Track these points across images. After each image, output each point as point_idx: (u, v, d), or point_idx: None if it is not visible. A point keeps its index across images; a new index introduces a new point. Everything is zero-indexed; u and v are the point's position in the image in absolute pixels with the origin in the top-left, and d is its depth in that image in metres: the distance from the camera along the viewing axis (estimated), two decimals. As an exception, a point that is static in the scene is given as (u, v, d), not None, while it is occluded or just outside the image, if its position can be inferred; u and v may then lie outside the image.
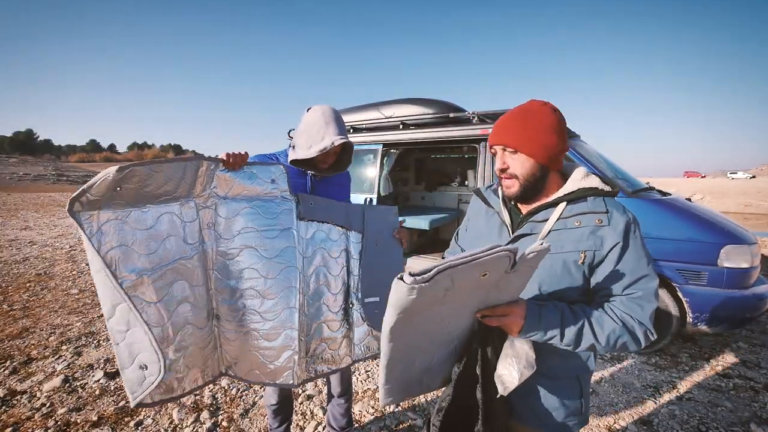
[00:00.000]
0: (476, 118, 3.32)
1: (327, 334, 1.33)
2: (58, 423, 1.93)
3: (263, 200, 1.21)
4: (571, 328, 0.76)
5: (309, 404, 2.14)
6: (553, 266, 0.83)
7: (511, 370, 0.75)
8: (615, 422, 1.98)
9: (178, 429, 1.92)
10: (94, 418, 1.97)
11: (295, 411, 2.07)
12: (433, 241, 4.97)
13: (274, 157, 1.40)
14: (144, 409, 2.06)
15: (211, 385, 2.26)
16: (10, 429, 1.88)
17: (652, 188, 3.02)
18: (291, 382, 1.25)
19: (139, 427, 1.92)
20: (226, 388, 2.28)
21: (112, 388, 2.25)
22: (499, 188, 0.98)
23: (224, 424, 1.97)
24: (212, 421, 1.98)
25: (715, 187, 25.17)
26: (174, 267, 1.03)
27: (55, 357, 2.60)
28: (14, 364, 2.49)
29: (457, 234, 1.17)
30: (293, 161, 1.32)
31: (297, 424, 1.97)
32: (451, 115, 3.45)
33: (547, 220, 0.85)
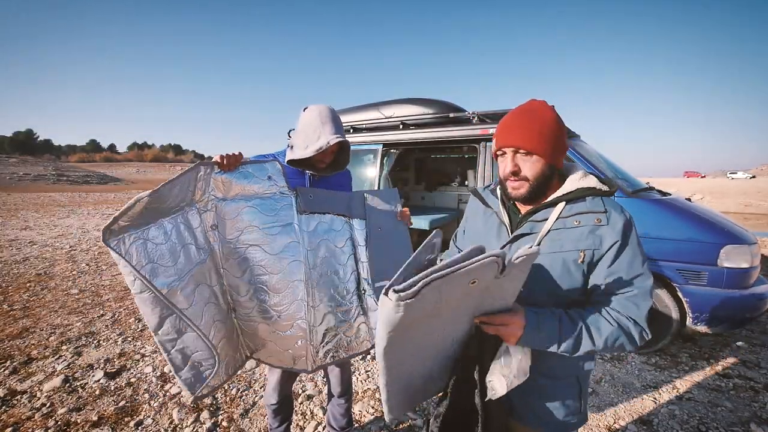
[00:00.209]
0: (476, 118, 3.32)
1: (340, 322, 1.34)
2: (58, 423, 1.93)
3: (262, 198, 1.22)
4: (568, 337, 0.76)
5: (309, 404, 2.14)
6: (553, 265, 0.83)
7: (500, 378, 0.75)
8: (615, 422, 1.98)
9: (178, 429, 1.92)
10: (94, 418, 1.97)
11: (295, 411, 2.07)
12: None
13: (272, 157, 1.40)
14: (144, 409, 2.06)
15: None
16: (10, 429, 1.88)
17: (652, 188, 3.02)
18: (306, 368, 1.30)
19: (140, 427, 1.92)
20: (226, 388, 2.28)
21: (112, 388, 2.25)
22: (498, 188, 0.99)
23: (224, 424, 1.97)
24: (212, 421, 1.98)
25: (715, 187, 25.17)
26: (194, 273, 1.08)
27: (55, 357, 2.60)
28: (14, 364, 2.49)
29: (455, 236, 1.17)
30: (291, 161, 1.32)
31: (297, 424, 1.97)
32: (451, 115, 3.45)
33: (546, 219, 0.85)
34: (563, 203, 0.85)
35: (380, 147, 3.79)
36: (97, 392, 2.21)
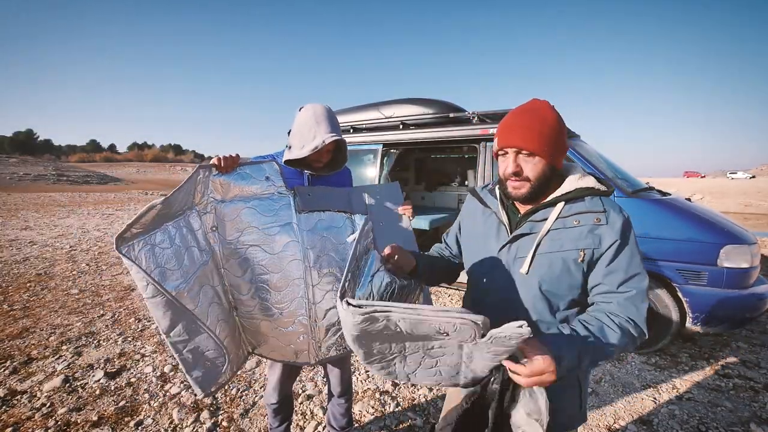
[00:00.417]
0: (476, 118, 3.32)
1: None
2: (58, 423, 1.93)
3: (260, 199, 1.23)
4: (585, 359, 0.75)
5: (309, 404, 2.14)
6: (553, 265, 0.84)
7: (532, 423, 0.72)
8: (615, 422, 1.98)
9: (178, 429, 1.92)
10: (95, 418, 1.97)
11: (295, 411, 2.07)
12: (433, 241, 4.98)
13: (270, 158, 1.40)
14: (144, 409, 2.06)
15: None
16: (10, 429, 1.88)
17: (652, 188, 3.02)
18: (309, 360, 1.31)
19: (140, 427, 1.92)
20: (226, 387, 2.28)
21: (112, 388, 2.25)
22: (496, 188, 0.99)
23: (224, 424, 1.97)
24: (212, 421, 1.98)
25: (715, 187, 25.16)
26: (198, 275, 1.10)
27: (55, 357, 2.60)
28: (14, 364, 2.49)
29: (447, 232, 1.19)
30: (289, 161, 1.32)
31: (297, 424, 1.97)
32: (451, 115, 3.45)
33: (545, 219, 0.86)
34: (562, 203, 0.86)
35: (380, 147, 3.80)
36: (97, 392, 2.21)
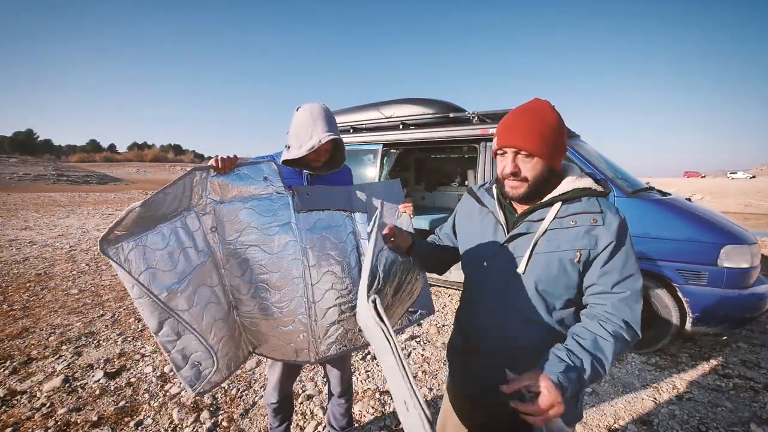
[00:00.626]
0: (476, 118, 3.32)
1: (342, 316, 1.35)
2: (58, 423, 1.93)
3: (258, 199, 1.23)
4: (586, 381, 0.75)
5: (309, 404, 2.14)
6: (550, 265, 0.85)
7: None
8: (615, 422, 1.98)
9: (178, 429, 1.92)
10: (94, 418, 1.97)
11: (295, 411, 2.07)
12: None
13: (269, 158, 1.40)
14: (144, 410, 2.06)
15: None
16: (10, 429, 1.88)
17: (652, 188, 3.02)
18: (309, 359, 1.32)
19: (140, 427, 1.92)
20: (226, 388, 2.28)
21: (112, 388, 2.25)
22: (493, 187, 0.99)
23: (224, 424, 1.97)
24: (212, 421, 1.98)
25: (715, 187, 25.17)
26: (194, 275, 1.10)
27: (55, 357, 2.60)
28: (14, 364, 2.49)
29: (441, 227, 1.20)
30: (287, 162, 1.32)
31: (297, 424, 1.97)
32: (451, 115, 3.45)
33: (542, 219, 0.86)
34: (559, 203, 0.86)
35: (380, 147, 3.80)
36: (97, 392, 2.21)
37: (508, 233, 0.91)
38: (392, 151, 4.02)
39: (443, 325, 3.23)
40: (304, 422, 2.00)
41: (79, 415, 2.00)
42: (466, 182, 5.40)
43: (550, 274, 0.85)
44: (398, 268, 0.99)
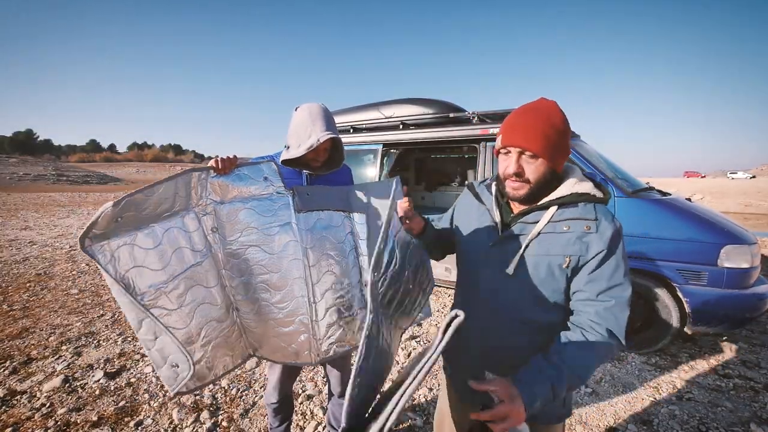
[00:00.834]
0: (476, 118, 3.32)
1: (342, 316, 1.35)
2: (58, 423, 1.93)
3: (258, 199, 1.23)
4: (560, 391, 0.74)
5: (309, 404, 2.14)
6: (538, 268, 0.84)
7: None
8: (615, 422, 1.98)
9: (178, 429, 1.92)
10: (94, 418, 1.97)
11: (295, 411, 2.07)
12: None
13: (269, 158, 1.40)
14: (144, 410, 2.06)
15: (211, 385, 2.26)
16: (10, 429, 1.88)
17: (652, 188, 3.02)
18: (310, 360, 1.32)
19: (139, 427, 1.92)
20: (226, 388, 2.28)
21: (112, 388, 2.25)
22: (493, 185, 0.99)
23: (224, 424, 1.97)
24: (212, 421, 1.98)
25: (715, 187, 25.17)
26: (187, 275, 1.10)
27: (55, 357, 2.60)
28: (14, 364, 2.49)
29: (441, 217, 1.20)
30: (286, 161, 1.32)
31: (297, 424, 1.97)
32: (451, 115, 3.45)
33: (536, 222, 0.86)
34: (555, 207, 0.85)
35: (380, 147, 3.80)
36: (97, 392, 2.21)
37: (501, 233, 0.91)
38: (392, 151, 4.02)
39: (443, 325, 3.23)
40: (304, 422, 2.00)
41: (79, 415, 2.00)
42: (466, 182, 5.40)
43: (537, 278, 0.85)
44: (413, 247, 1.02)
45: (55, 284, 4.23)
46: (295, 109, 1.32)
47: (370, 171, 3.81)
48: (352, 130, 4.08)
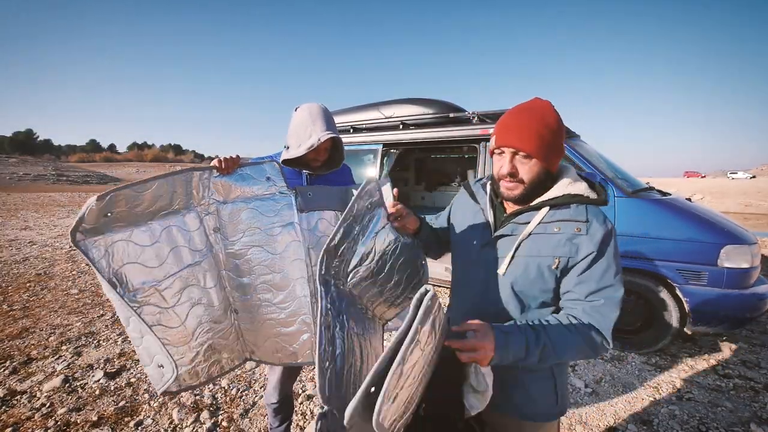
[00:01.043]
0: (476, 118, 3.32)
1: None
2: (58, 423, 1.93)
3: (261, 199, 1.23)
4: (534, 353, 0.76)
5: (309, 404, 2.14)
6: (528, 269, 0.85)
7: (476, 395, 0.76)
8: (615, 422, 1.98)
9: (178, 429, 1.92)
10: (94, 418, 1.97)
11: (295, 411, 2.07)
12: None
13: (269, 158, 1.40)
14: (144, 409, 2.06)
15: (211, 385, 2.26)
16: (10, 429, 1.88)
17: (652, 188, 3.02)
18: (312, 360, 1.31)
19: (139, 427, 1.92)
20: (226, 388, 2.28)
21: (112, 388, 2.25)
22: (488, 184, 0.99)
23: (224, 424, 1.97)
24: (212, 421, 1.98)
25: (715, 187, 25.17)
26: (183, 274, 1.10)
27: (55, 357, 2.60)
28: (14, 364, 2.49)
29: (438, 216, 1.20)
30: (287, 161, 1.32)
31: (297, 424, 1.97)
32: (451, 115, 3.45)
33: (528, 222, 0.86)
34: (547, 208, 0.85)
35: (380, 147, 3.80)
36: (97, 392, 2.21)
37: (494, 233, 0.91)
38: (392, 151, 4.02)
39: (443, 325, 3.23)
40: (304, 422, 2.00)
41: (79, 415, 2.00)
42: (463, 182, 5.42)
43: (527, 278, 0.85)
44: (399, 248, 1.02)
45: (55, 284, 4.23)
46: (295, 110, 1.33)
47: (370, 171, 3.81)
48: (352, 130, 4.08)
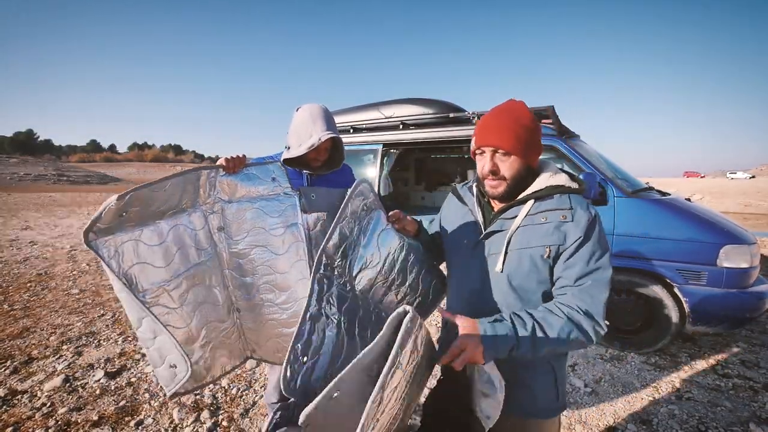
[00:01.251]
0: (476, 118, 3.32)
1: None
2: (59, 423, 1.93)
3: (267, 199, 1.23)
4: (525, 337, 0.76)
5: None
6: (522, 261, 0.87)
7: (488, 401, 0.76)
8: (614, 422, 1.98)
9: (178, 429, 1.93)
10: (95, 418, 1.98)
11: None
12: None
13: (271, 158, 1.41)
14: (144, 409, 2.07)
15: (211, 385, 2.27)
16: (10, 429, 1.88)
17: (651, 188, 3.02)
18: None
19: (140, 427, 1.92)
20: (226, 387, 2.28)
21: (113, 388, 2.25)
22: (474, 186, 1.02)
23: (224, 423, 1.97)
24: (212, 420, 1.98)
25: (714, 187, 25.16)
26: (190, 274, 1.10)
27: (56, 357, 2.61)
28: (15, 363, 2.49)
29: (432, 222, 1.23)
30: (287, 161, 1.33)
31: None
32: (451, 115, 3.45)
33: (515, 217, 0.89)
34: (532, 201, 0.89)
35: (380, 147, 3.80)
36: (98, 392, 2.21)
37: (484, 231, 0.94)
38: (392, 151, 4.02)
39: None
40: (304, 422, 2.00)
41: (79, 415, 2.00)
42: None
43: (522, 270, 0.87)
44: (405, 247, 1.06)
45: (55, 284, 4.24)
46: (296, 110, 1.33)
47: (370, 171, 3.81)
48: (352, 130, 4.08)
